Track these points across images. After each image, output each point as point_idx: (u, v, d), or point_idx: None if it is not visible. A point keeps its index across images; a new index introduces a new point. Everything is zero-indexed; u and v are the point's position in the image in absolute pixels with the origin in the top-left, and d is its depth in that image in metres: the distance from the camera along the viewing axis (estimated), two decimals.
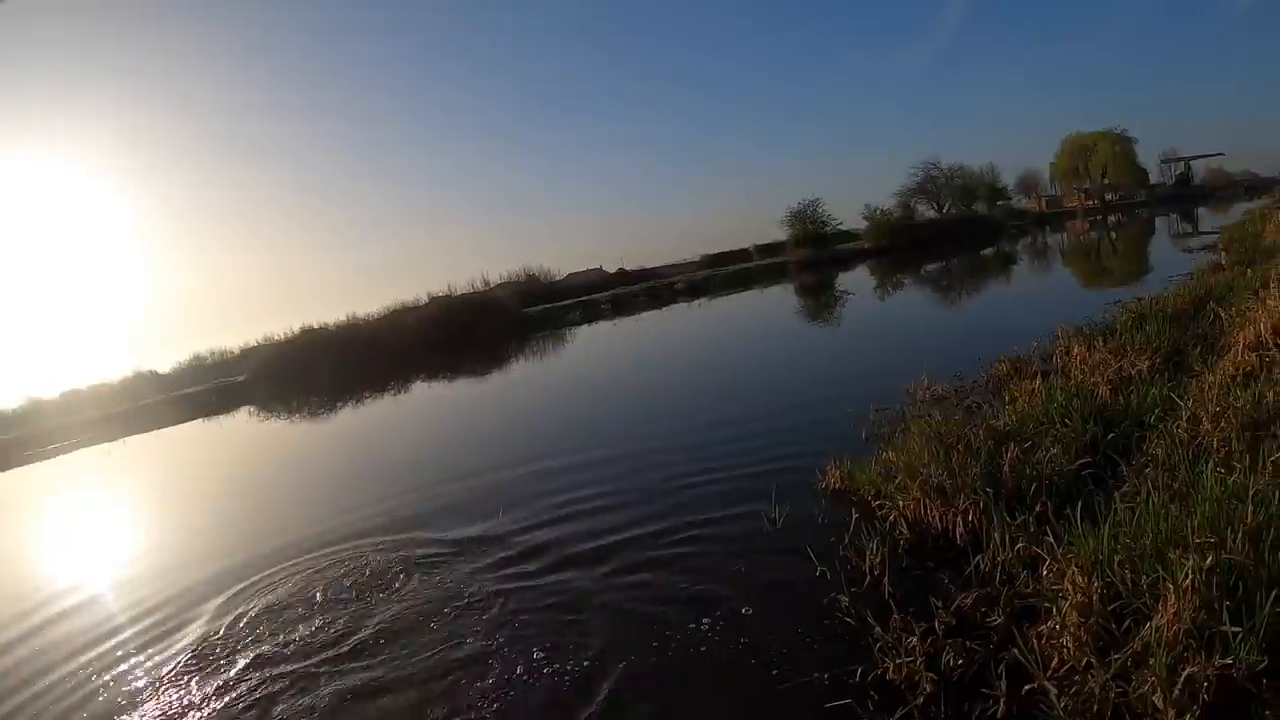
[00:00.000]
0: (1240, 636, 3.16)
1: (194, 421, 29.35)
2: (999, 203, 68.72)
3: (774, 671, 4.26)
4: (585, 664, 4.84)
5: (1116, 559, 3.89)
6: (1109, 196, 65.37)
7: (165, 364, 48.40)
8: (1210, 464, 4.70)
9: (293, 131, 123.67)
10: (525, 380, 23.83)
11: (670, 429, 11.12)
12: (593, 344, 31.50)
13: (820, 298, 32.05)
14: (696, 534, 6.73)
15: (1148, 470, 5.10)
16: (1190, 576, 3.43)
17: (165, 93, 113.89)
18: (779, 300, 35.17)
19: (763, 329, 24.91)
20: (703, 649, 4.72)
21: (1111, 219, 53.46)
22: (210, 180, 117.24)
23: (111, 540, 12.52)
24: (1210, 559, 3.51)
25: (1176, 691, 3.05)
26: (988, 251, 41.61)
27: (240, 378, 39.40)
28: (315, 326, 42.72)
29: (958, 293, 25.42)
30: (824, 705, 3.85)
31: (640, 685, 4.48)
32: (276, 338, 43.43)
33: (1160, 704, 3.06)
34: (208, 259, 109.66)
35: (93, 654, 6.90)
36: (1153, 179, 67.22)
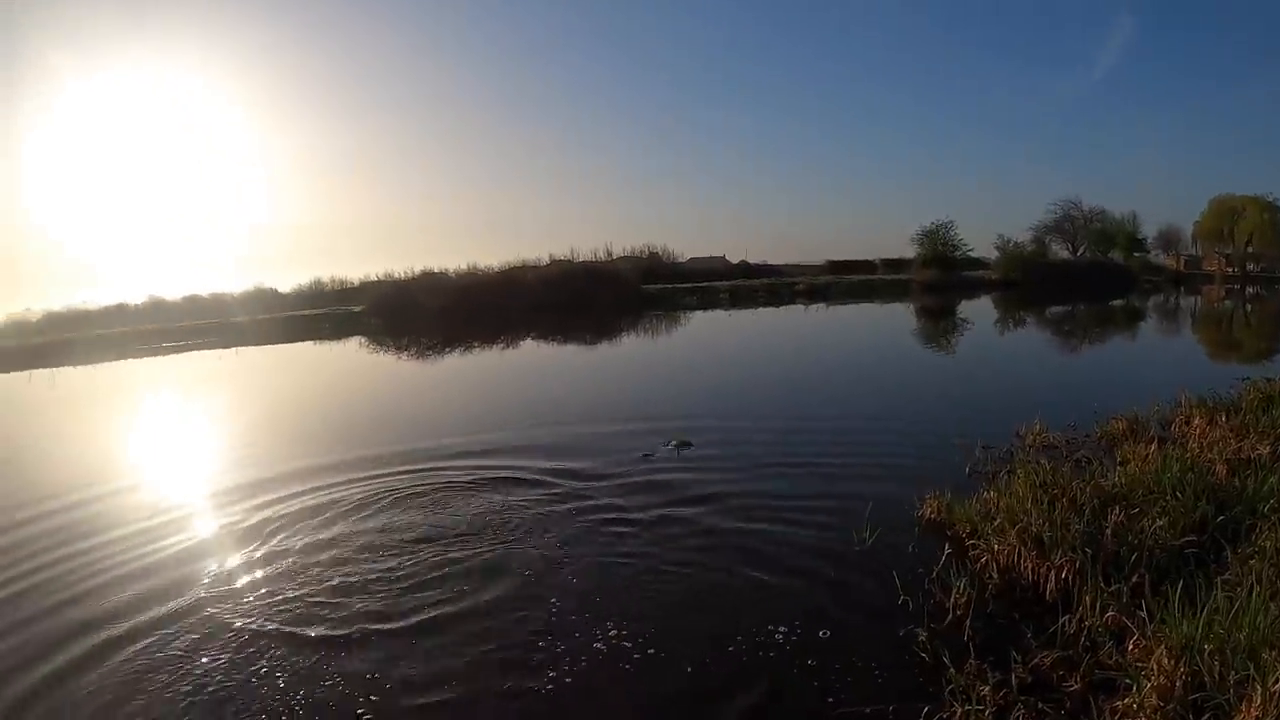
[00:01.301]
0: None
1: (305, 343, 30.52)
2: (1136, 254, 65.92)
3: (839, 694, 4.35)
4: (650, 650, 4.97)
5: (1208, 648, 3.85)
6: (1250, 266, 61.86)
7: (285, 284, 50.19)
8: None
9: (436, 86, 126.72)
10: (633, 353, 24.39)
11: (772, 426, 11.23)
12: (707, 330, 31.70)
13: (940, 322, 31.44)
14: (786, 534, 6.86)
15: (1253, 561, 4.97)
16: None
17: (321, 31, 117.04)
18: (898, 317, 34.74)
19: (878, 343, 24.78)
20: (772, 654, 4.84)
21: (1250, 290, 50.49)
22: (348, 119, 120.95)
23: (203, 433, 13.63)
24: None
25: None
26: (1117, 303, 40.07)
27: (356, 308, 40.60)
28: (436, 271, 44.03)
29: (1081, 340, 24.65)
30: None
31: (703, 684, 4.59)
32: (397, 275, 44.90)
33: None
34: (341, 192, 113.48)
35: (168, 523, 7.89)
36: None
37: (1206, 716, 3.53)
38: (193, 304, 44.49)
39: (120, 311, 42.33)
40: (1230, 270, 61.75)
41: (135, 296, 45.21)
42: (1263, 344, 22.17)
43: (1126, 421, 9.25)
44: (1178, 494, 6.23)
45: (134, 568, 6.76)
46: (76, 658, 5.21)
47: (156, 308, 43.64)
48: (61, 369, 24.11)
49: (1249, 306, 37.79)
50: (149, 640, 5.38)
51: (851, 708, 4.21)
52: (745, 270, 61.11)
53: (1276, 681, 3.41)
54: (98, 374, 23.61)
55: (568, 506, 7.82)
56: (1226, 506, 6.03)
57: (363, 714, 4.40)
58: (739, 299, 44.75)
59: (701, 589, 5.88)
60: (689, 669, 4.75)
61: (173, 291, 46.30)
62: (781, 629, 5.10)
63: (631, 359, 22.81)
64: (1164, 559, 5.29)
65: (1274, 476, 6.45)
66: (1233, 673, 3.67)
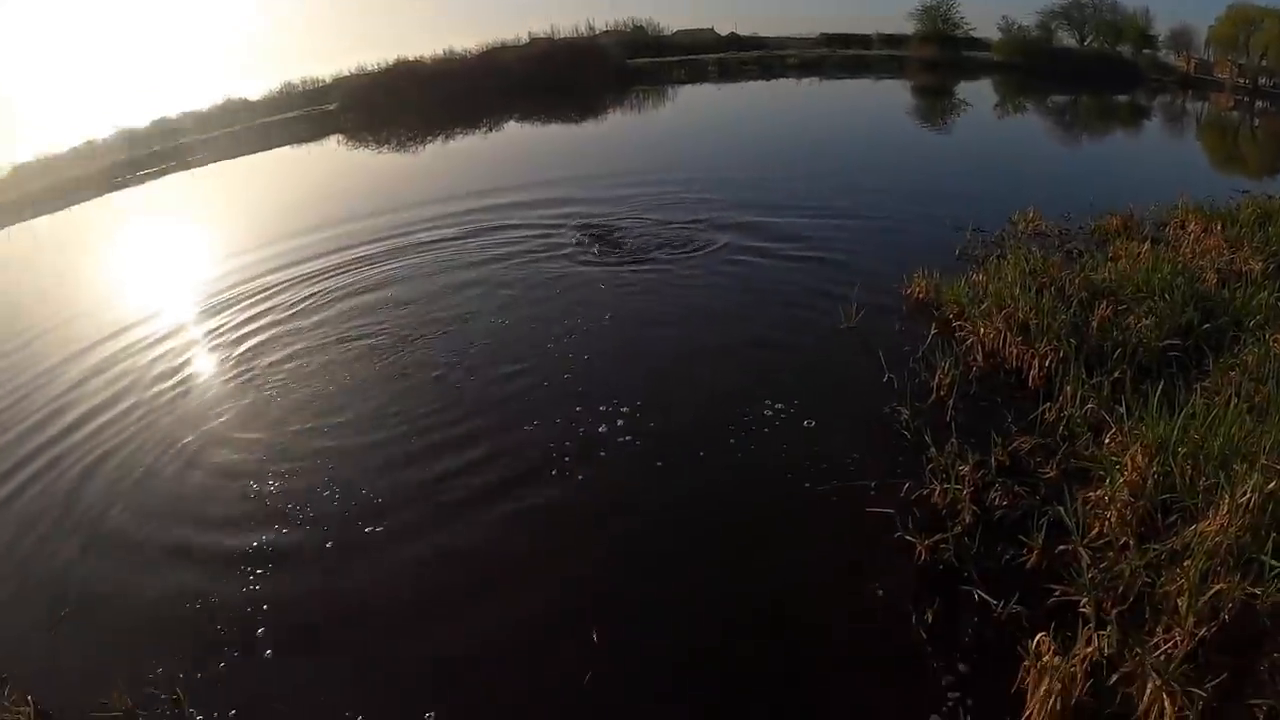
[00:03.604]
0: (1277, 571, 3.22)
1: (283, 149, 28.82)
2: (1145, 51, 63.14)
3: (824, 469, 4.55)
4: (643, 434, 5.18)
5: (1181, 451, 3.98)
6: (1262, 80, 59.64)
7: (256, 91, 46.49)
8: None
9: None
10: (619, 126, 24.15)
11: (759, 197, 11.03)
12: (695, 104, 30.09)
13: (937, 102, 29.82)
14: (776, 308, 7.03)
15: (1234, 373, 5.01)
16: (1249, 495, 3.49)
17: None
18: (893, 94, 32.78)
19: (871, 120, 23.44)
20: (765, 430, 5.02)
21: (1259, 104, 48.87)
22: None
23: (200, 250, 13.02)
24: (1274, 484, 3.53)
25: (1201, 602, 3.14)
26: (1122, 98, 38.59)
27: (330, 106, 38.19)
28: (411, 59, 41.16)
29: (1081, 132, 23.69)
30: (865, 510, 4.15)
31: (693, 460, 4.84)
32: (370, 68, 42.01)
33: (1182, 608, 3.17)
34: None
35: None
36: None
37: (1174, 517, 3.69)
38: (163, 127, 41.08)
39: (90, 149, 39.40)
40: (1242, 81, 59.61)
41: (102, 131, 41.72)
42: (1266, 159, 21.61)
43: (1121, 218, 9.04)
44: (1166, 296, 6.21)
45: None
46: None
47: (126, 138, 40.51)
48: (38, 219, 22.17)
49: (1256, 121, 36.71)
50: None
51: (836, 481, 4.41)
52: (735, 43, 57.60)
53: (1245, 493, 3.51)
54: (73, 216, 21.75)
55: (556, 258, 8.64)
56: (1213, 315, 6.02)
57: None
58: (728, 72, 42.01)
59: (691, 359, 6.10)
60: (684, 448, 4.94)
61: (140, 119, 42.66)
62: (777, 404, 5.25)
63: (617, 132, 22.40)
64: (1146, 358, 5.37)
65: (1264, 292, 6.34)
66: (1203, 479, 3.80)
